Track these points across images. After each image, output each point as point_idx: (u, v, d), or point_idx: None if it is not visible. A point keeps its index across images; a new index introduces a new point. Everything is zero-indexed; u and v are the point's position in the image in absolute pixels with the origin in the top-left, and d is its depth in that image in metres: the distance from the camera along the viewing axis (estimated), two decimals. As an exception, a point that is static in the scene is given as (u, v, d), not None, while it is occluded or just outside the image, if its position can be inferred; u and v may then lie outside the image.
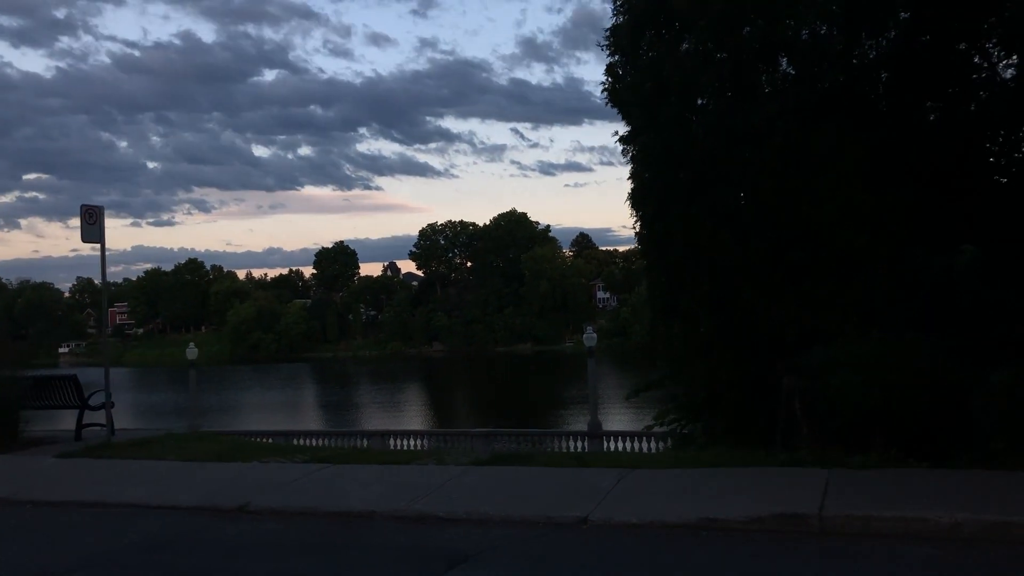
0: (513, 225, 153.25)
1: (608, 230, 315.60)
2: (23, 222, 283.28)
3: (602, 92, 12.94)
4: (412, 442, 30.28)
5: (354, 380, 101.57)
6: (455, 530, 7.79)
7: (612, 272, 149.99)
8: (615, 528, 7.65)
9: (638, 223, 12.33)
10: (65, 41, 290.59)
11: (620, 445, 27.78)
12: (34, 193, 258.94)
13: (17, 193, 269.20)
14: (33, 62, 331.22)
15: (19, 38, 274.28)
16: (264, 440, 30.73)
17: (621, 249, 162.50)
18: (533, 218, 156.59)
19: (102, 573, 6.74)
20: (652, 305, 11.97)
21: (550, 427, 47.85)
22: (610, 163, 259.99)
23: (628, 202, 12.61)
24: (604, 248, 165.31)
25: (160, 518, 8.64)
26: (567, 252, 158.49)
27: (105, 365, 13.12)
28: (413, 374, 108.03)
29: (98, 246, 12.77)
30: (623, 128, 12.62)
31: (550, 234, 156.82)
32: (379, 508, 8.54)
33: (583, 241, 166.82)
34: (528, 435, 30.61)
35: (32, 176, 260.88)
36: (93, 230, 12.60)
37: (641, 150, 11.65)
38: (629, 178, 12.79)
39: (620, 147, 12.92)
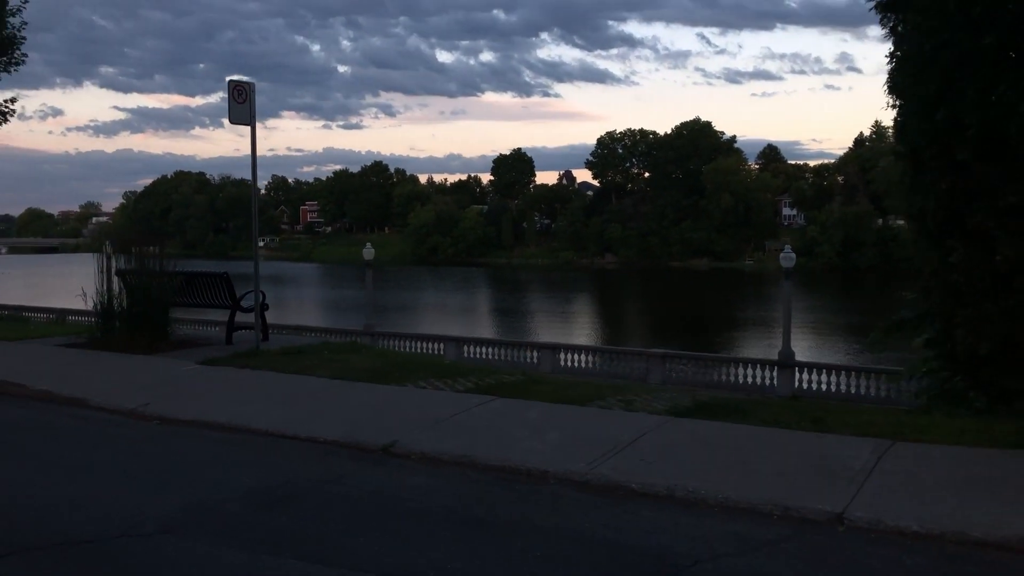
0: (696, 135, 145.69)
1: (797, 143, 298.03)
2: (225, 121, 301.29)
3: (856, -58, 9.93)
4: (583, 358, 28.61)
5: (526, 288, 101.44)
6: (655, 514, 5.74)
7: (801, 187, 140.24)
8: (888, 536, 5.33)
9: (900, 114, 9.43)
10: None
11: (815, 378, 24.88)
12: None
13: (221, 94, 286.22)
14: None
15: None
16: (435, 346, 30.16)
17: (812, 163, 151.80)
18: (717, 128, 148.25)
19: (191, 535, 5.23)
20: (920, 221, 9.12)
21: (721, 350, 44.84)
22: (802, 72, 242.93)
23: (886, 87, 9.76)
24: (793, 162, 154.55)
25: (290, 456, 7.14)
26: (752, 165, 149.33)
27: (255, 261, 11.83)
28: (584, 285, 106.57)
29: (247, 128, 11.28)
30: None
31: (735, 145, 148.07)
32: (553, 467, 6.64)
33: (770, 153, 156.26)
34: (708, 359, 28.20)
35: (234, 77, 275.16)
36: (243, 110, 11.08)
37: (918, 12, 8.62)
38: (888, 56, 9.87)
39: (878, 16, 10.02)
